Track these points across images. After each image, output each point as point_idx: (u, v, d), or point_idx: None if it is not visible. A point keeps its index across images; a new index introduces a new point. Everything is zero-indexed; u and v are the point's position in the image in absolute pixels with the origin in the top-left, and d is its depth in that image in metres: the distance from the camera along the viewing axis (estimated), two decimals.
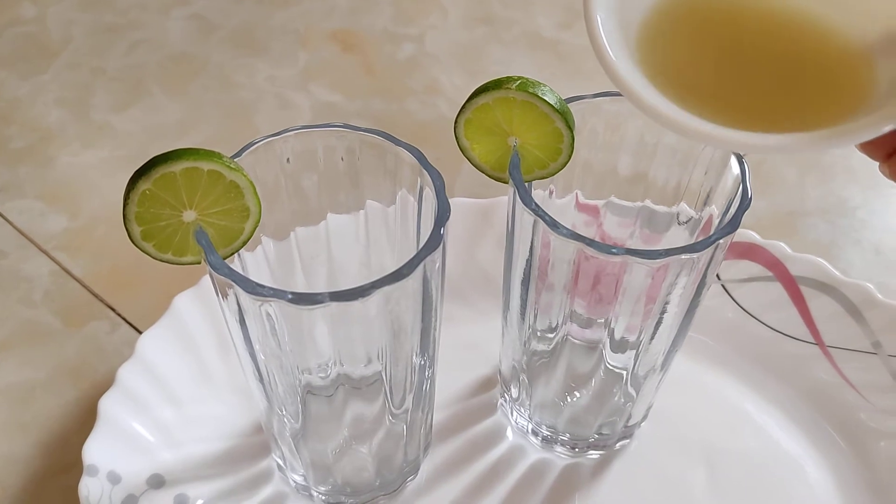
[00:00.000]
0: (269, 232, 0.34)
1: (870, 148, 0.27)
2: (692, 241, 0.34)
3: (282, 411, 0.34)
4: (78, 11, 0.65)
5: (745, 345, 0.44)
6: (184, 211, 0.29)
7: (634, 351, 0.36)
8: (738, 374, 0.43)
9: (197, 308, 0.42)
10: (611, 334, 0.36)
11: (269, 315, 0.29)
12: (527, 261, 0.34)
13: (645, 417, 0.41)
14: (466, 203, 0.47)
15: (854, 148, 0.26)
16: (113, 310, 0.47)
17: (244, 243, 0.30)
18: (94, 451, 0.37)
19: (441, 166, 0.31)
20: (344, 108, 0.58)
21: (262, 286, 0.28)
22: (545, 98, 0.31)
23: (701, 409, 0.42)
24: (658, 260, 0.30)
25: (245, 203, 0.29)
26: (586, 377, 0.38)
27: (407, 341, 0.32)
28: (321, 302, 0.27)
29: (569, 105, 0.32)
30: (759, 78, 0.28)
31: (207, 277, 0.42)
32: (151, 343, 0.40)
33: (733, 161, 0.33)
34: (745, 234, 0.45)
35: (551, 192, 0.37)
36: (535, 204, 0.31)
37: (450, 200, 0.30)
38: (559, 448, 0.40)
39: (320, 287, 0.37)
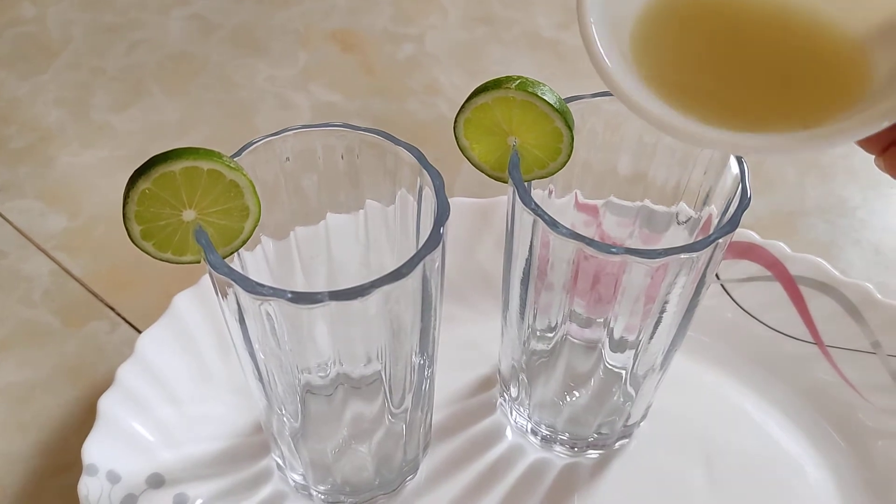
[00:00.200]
0: (269, 231, 0.34)
1: (865, 141, 0.27)
2: (691, 241, 0.34)
3: (281, 411, 0.34)
4: (78, 11, 0.65)
5: (745, 344, 0.44)
6: (183, 210, 0.29)
7: (633, 350, 0.36)
8: (738, 374, 0.43)
9: (196, 307, 0.42)
10: (610, 334, 0.36)
11: (268, 314, 0.29)
12: (526, 260, 0.34)
13: (644, 417, 0.41)
14: (466, 203, 0.47)
15: (853, 146, 0.26)
16: (112, 309, 0.47)
17: (244, 243, 0.30)
18: (94, 450, 0.37)
19: (441, 166, 0.31)
20: (344, 108, 0.58)
21: (262, 285, 0.28)
22: (545, 98, 0.31)
23: (700, 409, 0.42)
24: (657, 259, 0.30)
25: (245, 202, 0.29)
26: (585, 377, 0.38)
27: (406, 341, 0.32)
28: (321, 301, 0.27)
29: (568, 105, 0.32)
30: (754, 76, 0.28)
31: (207, 277, 0.42)
32: (151, 342, 0.40)
33: (733, 161, 0.33)
34: (744, 233, 0.45)
35: (551, 192, 0.37)
36: (535, 203, 0.31)
37: (449, 200, 0.30)
38: (558, 447, 0.40)
39: (320, 286, 0.37)
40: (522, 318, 0.36)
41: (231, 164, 0.29)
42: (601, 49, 0.27)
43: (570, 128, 0.31)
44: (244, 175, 0.29)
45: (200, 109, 0.58)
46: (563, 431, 0.40)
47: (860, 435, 0.41)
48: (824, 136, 0.25)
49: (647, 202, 0.37)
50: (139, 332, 0.45)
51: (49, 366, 0.44)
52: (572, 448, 0.40)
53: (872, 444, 0.41)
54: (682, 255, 0.31)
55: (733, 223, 0.31)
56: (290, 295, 0.27)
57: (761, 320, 0.44)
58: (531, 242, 0.33)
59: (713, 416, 0.42)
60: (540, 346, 0.37)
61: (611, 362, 0.37)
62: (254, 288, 0.28)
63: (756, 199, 0.51)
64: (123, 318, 0.47)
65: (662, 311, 0.34)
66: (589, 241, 0.30)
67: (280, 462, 0.38)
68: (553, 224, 0.31)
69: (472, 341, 0.44)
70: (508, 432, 0.41)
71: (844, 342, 0.43)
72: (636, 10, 0.28)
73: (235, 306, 0.30)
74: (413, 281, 0.29)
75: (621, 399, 0.38)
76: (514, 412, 0.41)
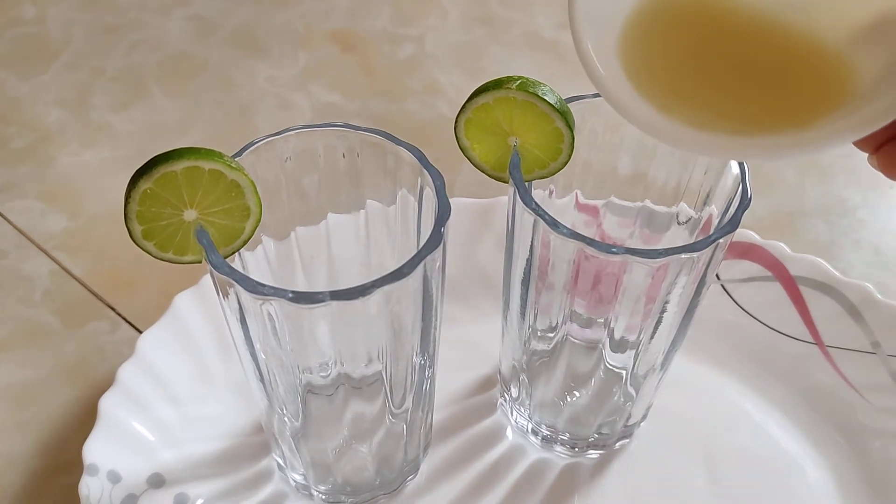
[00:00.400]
0: (270, 231, 0.34)
1: (859, 140, 0.27)
2: (692, 241, 0.34)
3: (282, 411, 0.34)
4: (78, 12, 0.65)
5: (745, 344, 0.44)
6: (185, 210, 0.29)
7: (634, 350, 0.36)
8: (738, 374, 0.43)
9: (197, 307, 0.42)
10: (610, 334, 0.36)
11: (269, 314, 0.29)
12: (527, 260, 0.34)
13: (644, 417, 0.41)
14: (466, 203, 0.47)
15: (851, 146, 0.26)
16: (113, 309, 0.47)
17: (245, 242, 0.30)
18: (95, 450, 0.37)
19: (441, 166, 0.31)
20: (344, 109, 0.58)
21: (263, 285, 0.28)
22: (545, 98, 0.31)
23: (700, 409, 0.42)
24: (658, 259, 0.30)
25: (246, 202, 0.29)
26: (586, 377, 0.38)
27: (407, 341, 0.32)
28: (322, 301, 0.28)
29: (569, 105, 0.32)
30: (742, 79, 0.28)
31: (208, 277, 0.42)
32: (152, 342, 0.41)
33: (733, 161, 0.33)
34: (744, 234, 0.45)
35: (551, 192, 0.37)
36: (536, 203, 0.31)
37: (450, 200, 0.30)
38: (559, 448, 0.40)
39: (321, 286, 0.37)
40: (523, 319, 0.36)
41: (232, 164, 0.29)
42: (594, 56, 0.27)
43: (570, 128, 0.31)
44: (245, 175, 0.29)
45: (200, 110, 0.58)
46: (563, 431, 0.40)
47: (860, 435, 0.41)
48: (821, 138, 0.25)
49: (648, 202, 0.38)
50: (140, 332, 0.45)
51: (49, 366, 0.44)
52: (573, 448, 0.40)
53: (872, 444, 0.41)
54: (683, 256, 0.31)
55: (734, 223, 0.31)
56: (291, 295, 0.27)
57: (761, 320, 0.45)
58: (532, 242, 0.33)
59: (713, 416, 0.42)
60: (540, 347, 0.37)
61: (611, 362, 0.37)
62: (255, 288, 0.28)
63: (756, 200, 0.51)
64: (124, 318, 0.47)
65: (663, 311, 0.34)
66: (589, 241, 0.30)
67: (281, 462, 0.38)
68: (554, 224, 0.31)
69: (473, 341, 0.44)
70: (509, 432, 0.41)
71: (844, 342, 0.43)
72: (625, 15, 0.28)
73: (236, 306, 0.30)
74: (414, 281, 0.29)
75: (622, 399, 0.38)
76: (514, 412, 0.41)
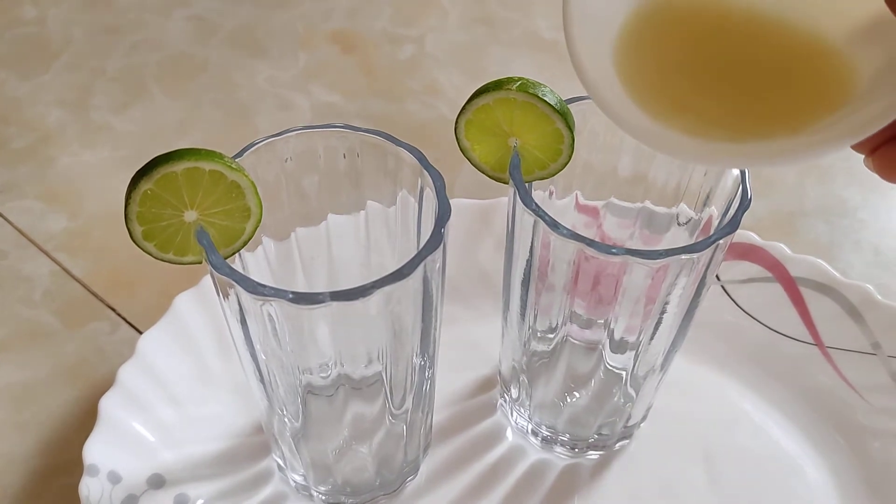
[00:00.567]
0: (270, 232, 0.34)
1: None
2: (692, 242, 0.34)
3: (282, 411, 0.34)
4: (78, 12, 0.65)
5: (745, 345, 0.44)
6: (185, 211, 0.29)
7: (634, 351, 0.36)
8: (738, 375, 0.43)
9: (197, 308, 0.42)
10: (610, 335, 0.36)
11: (269, 315, 0.29)
12: (527, 261, 0.34)
13: (644, 418, 0.41)
14: (466, 204, 0.47)
15: (850, 148, 0.26)
16: (113, 310, 0.47)
17: (245, 243, 0.30)
18: (95, 450, 0.37)
19: (441, 167, 0.32)
20: (344, 109, 0.58)
21: (263, 286, 0.28)
22: (545, 99, 0.31)
23: (700, 410, 0.42)
24: (658, 260, 0.30)
25: (246, 203, 0.29)
26: (586, 378, 0.38)
27: (407, 341, 0.32)
28: (322, 302, 0.28)
29: (569, 106, 0.32)
30: (738, 85, 0.28)
31: (208, 277, 0.42)
32: (152, 343, 0.41)
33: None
34: (744, 234, 0.45)
35: (551, 193, 0.37)
36: (536, 204, 0.31)
37: (450, 201, 0.30)
38: (559, 448, 0.40)
39: (321, 287, 0.37)
40: (523, 319, 0.36)
41: (232, 165, 0.29)
42: (588, 62, 0.27)
43: (570, 129, 0.31)
44: (245, 176, 0.29)
45: (200, 110, 0.58)
46: (563, 432, 0.40)
47: (860, 435, 0.41)
48: (818, 142, 0.25)
49: (648, 203, 0.38)
50: (140, 332, 0.45)
51: (49, 366, 0.44)
52: (573, 449, 0.40)
53: (872, 445, 0.41)
54: (683, 256, 0.31)
55: (734, 224, 0.31)
56: (291, 295, 0.27)
57: (761, 321, 0.45)
58: (532, 243, 0.33)
59: (713, 417, 0.42)
60: (540, 347, 0.37)
61: (611, 363, 0.37)
62: (255, 288, 0.28)
63: (756, 201, 0.51)
64: (124, 319, 0.47)
65: (663, 312, 0.34)
66: (589, 242, 0.30)
67: (281, 462, 0.38)
68: (554, 225, 0.31)
69: (473, 342, 0.44)
70: (509, 433, 0.41)
71: (844, 343, 0.43)
72: (620, 22, 0.28)
73: (237, 307, 0.30)
74: (414, 282, 0.29)
75: (622, 400, 0.38)
76: (514, 413, 0.41)
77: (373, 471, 0.38)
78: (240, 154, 0.31)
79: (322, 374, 0.33)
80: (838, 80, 0.26)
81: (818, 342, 0.44)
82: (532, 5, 0.67)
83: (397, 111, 0.59)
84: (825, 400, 0.42)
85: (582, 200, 0.38)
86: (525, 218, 0.32)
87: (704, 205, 0.35)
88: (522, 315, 0.36)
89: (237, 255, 0.31)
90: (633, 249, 0.30)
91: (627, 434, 0.41)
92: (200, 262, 0.30)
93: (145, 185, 0.28)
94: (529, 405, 0.40)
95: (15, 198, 0.52)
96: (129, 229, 0.28)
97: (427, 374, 0.35)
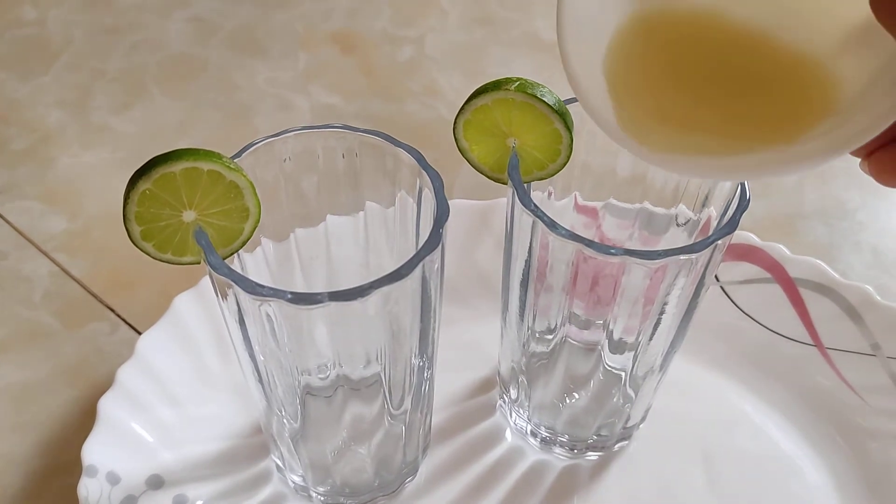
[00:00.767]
0: (269, 233, 0.34)
1: None
2: (691, 243, 0.34)
3: (281, 412, 0.34)
4: (78, 13, 0.65)
5: (744, 346, 0.44)
6: (183, 211, 0.29)
7: (633, 352, 0.36)
8: (737, 376, 0.43)
9: (196, 309, 0.42)
10: (609, 336, 0.36)
11: (268, 315, 0.29)
12: (525, 262, 0.34)
13: (643, 419, 0.41)
14: (465, 205, 0.47)
15: None
16: (112, 311, 0.47)
17: (244, 244, 0.30)
18: (94, 451, 0.37)
19: (440, 168, 0.32)
20: (343, 110, 0.59)
21: (262, 286, 0.28)
22: (544, 99, 0.31)
23: (699, 411, 0.42)
24: (656, 261, 0.30)
25: (245, 203, 0.29)
26: (585, 378, 0.38)
27: (406, 342, 0.32)
28: (320, 302, 0.28)
29: (568, 106, 0.32)
30: (726, 99, 0.28)
31: (207, 278, 0.42)
32: (151, 344, 0.41)
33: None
34: (743, 235, 0.45)
35: (550, 194, 0.37)
36: (534, 205, 0.31)
37: (448, 202, 0.30)
38: (558, 449, 0.40)
39: (319, 288, 0.37)
40: (522, 320, 0.36)
41: (231, 165, 0.29)
42: (580, 73, 0.27)
43: (569, 129, 0.31)
44: (244, 176, 0.29)
45: (200, 111, 0.58)
46: (562, 433, 0.40)
47: (860, 437, 0.41)
48: (809, 153, 0.25)
49: (647, 204, 0.38)
50: (139, 333, 0.45)
51: (49, 367, 0.44)
52: (572, 450, 0.40)
53: (871, 446, 0.41)
54: (682, 257, 0.31)
55: (732, 225, 0.31)
56: (289, 296, 0.27)
57: (761, 322, 0.45)
58: (530, 244, 0.33)
59: (713, 418, 0.42)
60: (539, 348, 0.37)
61: (610, 364, 0.37)
62: (254, 289, 0.28)
63: (755, 202, 0.51)
64: (123, 320, 0.47)
65: (662, 312, 0.34)
66: (588, 243, 0.30)
67: (279, 463, 0.38)
68: (552, 225, 0.31)
69: (472, 343, 0.44)
70: (508, 434, 0.41)
71: (844, 344, 0.43)
72: (611, 32, 0.28)
73: (235, 307, 0.30)
74: (412, 282, 0.29)
75: (621, 401, 0.38)
76: (513, 414, 0.41)
77: (371, 472, 0.38)
78: (238, 154, 0.31)
79: (321, 375, 0.33)
80: (826, 90, 0.26)
81: (817, 343, 0.44)
82: (531, 6, 0.67)
83: (396, 112, 0.59)
84: (824, 401, 0.42)
85: (581, 201, 0.38)
86: (524, 218, 0.32)
87: (703, 206, 0.35)
88: (521, 316, 0.36)
89: (236, 255, 0.31)
90: (632, 250, 0.30)
91: (626, 435, 0.41)
92: (199, 263, 0.30)
93: (144, 185, 0.28)
94: (528, 406, 0.40)
95: (15, 198, 0.52)
96: (127, 229, 0.28)
97: (426, 374, 0.35)
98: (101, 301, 0.47)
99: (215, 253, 0.29)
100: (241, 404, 0.41)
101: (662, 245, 0.38)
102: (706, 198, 0.35)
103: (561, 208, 0.38)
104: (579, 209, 0.38)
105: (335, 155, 0.33)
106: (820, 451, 0.41)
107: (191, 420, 0.40)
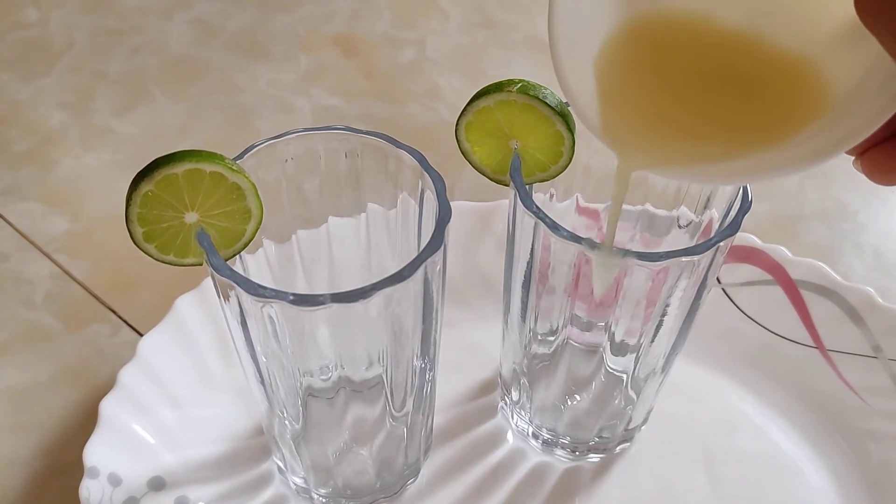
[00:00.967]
0: (271, 234, 0.34)
1: None
2: (692, 245, 0.34)
3: (283, 414, 0.34)
4: (80, 15, 0.65)
5: (746, 348, 0.44)
6: (186, 212, 0.29)
7: (635, 354, 0.36)
8: (739, 378, 0.43)
9: (198, 310, 0.42)
10: (611, 338, 0.36)
11: (270, 317, 0.29)
12: (527, 264, 0.34)
13: (645, 421, 0.41)
14: (467, 206, 0.47)
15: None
16: (114, 312, 0.47)
17: (246, 245, 0.30)
18: (95, 452, 0.37)
19: (441, 170, 0.32)
20: (344, 112, 0.59)
21: (264, 287, 0.28)
22: (546, 101, 0.31)
23: (701, 413, 0.42)
24: (658, 262, 0.30)
25: (247, 205, 0.29)
26: (587, 380, 0.38)
27: (408, 344, 0.32)
28: (322, 303, 0.28)
29: (569, 108, 0.32)
30: (716, 103, 0.28)
31: (209, 280, 0.42)
32: (152, 345, 0.41)
33: None
34: (745, 237, 0.45)
35: (552, 196, 0.37)
36: (536, 206, 0.31)
37: (450, 203, 0.30)
38: (559, 451, 0.40)
39: (321, 289, 0.37)
40: (524, 322, 0.36)
41: (233, 167, 0.29)
42: (571, 78, 0.27)
43: (571, 131, 0.31)
44: (246, 178, 0.29)
45: (202, 113, 0.58)
46: (564, 435, 0.40)
47: (861, 438, 0.41)
48: (800, 156, 0.25)
49: (648, 206, 0.38)
50: (140, 334, 0.45)
51: (50, 368, 0.44)
52: (573, 452, 0.40)
53: (873, 448, 0.41)
54: (683, 259, 0.31)
55: (734, 227, 0.31)
56: (291, 297, 0.27)
57: (762, 324, 0.45)
58: (532, 246, 0.33)
59: (714, 420, 0.42)
60: (541, 350, 0.37)
61: (612, 366, 0.37)
62: (256, 290, 0.28)
63: (757, 203, 0.51)
64: (125, 321, 0.47)
65: (663, 314, 0.34)
66: (590, 245, 0.30)
67: (281, 465, 0.38)
68: (554, 227, 0.31)
69: (474, 345, 0.44)
70: (509, 436, 0.41)
71: (845, 346, 0.43)
72: (602, 38, 0.28)
73: (237, 309, 0.30)
74: (414, 283, 0.29)
75: (622, 403, 0.38)
76: (515, 416, 0.41)
77: (373, 473, 0.38)
78: (241, 156, 0.31)
79: (322, 377, 0.33)
80: (816, 92, 0.26)
81: (819, 345, 0.44)
82: (532, 7, 0.67)
83: (398, 114, 0.59)
84: (826, 403, 0.42)
85: (582, 203, 0.38)
86: (526, 220, 0.32)
87: (705, 207, 0.35)
88: (523, 317, 0.36)
89: (238, 256, 0.31)
90: (634, 252, 0.30)
91: (628, 437, 0.41)
92: (201, 264, 0.30)
93: (146, 187, 0.28)
94: (530, 408, 0.40)
95: (16, 200, 0.52)
96: (129, 231, 0.28)
97: (427, 376, 0.35)
98: (102, 302, 0.47)
99: (217, 254, 0.29)
100: (243, 406, 0.41)
101: (664, 247, 0.38)
102: (708, 200, 0.35)
103: (563, 210, 0.38)
104: (581, 211, 0.38)
105: (337, 156, 0.33)
106: (821, 452, 0.41)
107: (192, 421, 0.40)
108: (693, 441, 0.41)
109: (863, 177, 0.27)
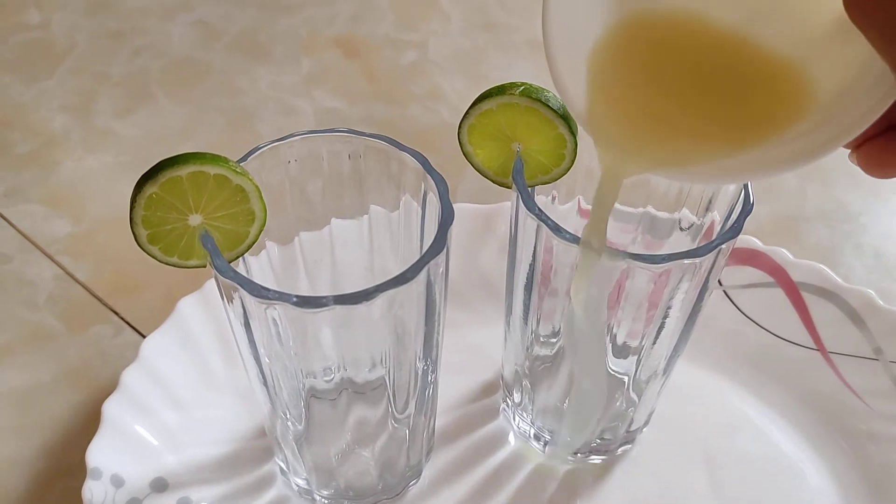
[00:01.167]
0: (274, 236, 0.34)
1: None
2: (694, 247, 0.34)
3: (285, 415, 0.35)
4: (82, 17, 0.65)
5: (747, 350, 0.44)
6: (190, 215, 0.29)
7: (636, 356, 0.36)
8: (740, 380, 0.43)
9: (201, 312, 0.42)
10: (613, 339, 0.36)
11: (273, 319, 0.29)
12: (529, 266, 0.34)
13: (647, 423, 0.41)
14: (469, 209, 0.47)
15: (843, 149, 0.27)
16: (116, 314, 0.47)
17: (249, 247, 0.30)
18: (98, 454, 0.37)
19: (444, 172, 0.32)
20: (346, 114, 0.59)
21: (267, 289, 0.28)
22: (549, 104, 0.31)
23: (703, 415, 0.42)
24: (660, 265, 0.30)
25: (250, 207, 0.29)
26: None
27: (410, 345, 0.32)
28: (325, 305, 0.28)
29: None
30: (705, 102, 0.28)
31: (212, 281, 0.42)
32: (155, 347, 0.41)
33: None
34: (746, 239, 0.45)
35: (554, 199, 0.37)
36: (538, 209, 0.31)
37: (453, 205, 0.30)
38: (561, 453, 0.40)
39: (324, 291, 0.37)
40: (526, 324, 0.37)
41: (237, 169, 0.29)
42: (565, 78, 0.28)
43: (573, 134, 0.32)
44: (250, 180, 0.29)
45: (204, 115, 0.58)
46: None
47: (862, 440, 0.41)
48: (791, 154, 0.25)
49: (650, 208, 0.38)
50: (143, 336, 0.45)
51: (53, 370, 0.44)
52: (575, 454, 0.40)
53: (874, 450, 0.41)
54: (685, 261, 0.31)
55: (736, 229, 0.31)
56: (295, 299, 0.28)
57: (763, 326, 0.45)
58: (534, 248, 0.33)
59: (716, 422, 0.42)
60: (543, 352, 0.37)
61: (614, 368, 0.37)
62: (259, 292, 0.28)
63: (758, 205, 0.51)
64: (127, 323, 0.47)
65: (665, 316, 0.34)
66: None
67: (283, 466, 0.38)
68: (556, 229, 0.31)
69: (476, 346, 0.44)
70: (511, 438, 0.41)
71: (846, 348, 0.43)
72: (595, 38, 0.28)
73: (241, 310, 0.30)
74: (417, 285, 0.29)
75: (624, 405, 0.38)
76: (516, 417, 0.41)
77: (375, 475, 0.38)
78: (244, 158, 0.31)
79: (325, 378, 0.34)
80: (807, 90, 0.26)
81: (820, 347, 0.44)
82: (534, 10, 0.67)
83: (400, 116, 0.59)
84: (827, 404, 0.42)
85: (584, 205, 0.38)
86: (528, 222, 0.32)
87: (706, 210, 0.35)
88: (525, 319, 0.36)
89: (241, 258, 0.31)
90: (636, 254, 0.30)
91: (630, 439, 0.41)
92: (205, 266, 0.30)
93: (150, 189, 0.28)
94: (532, 409, 0.40)
95: (19, 202, 0.53)
96: (134, 233, 0.28)
97: (430, 378, 0.35)
98: (105, 304, 0.47)
99: (221, 256, 0.29)
100: (245, 407, 0.41)
101: (666, 249, 0.38)
102: (709, 202, 0.35)
103: (565, 212, 0.38)
104: (583, 213, 0.38)
105: (340, 159, 0.33)
106: (822, 454, 0.41)
107: (195, 423, 0.40)
108: (694, 443, 0.41)
109: (864, 178, 0.27)
